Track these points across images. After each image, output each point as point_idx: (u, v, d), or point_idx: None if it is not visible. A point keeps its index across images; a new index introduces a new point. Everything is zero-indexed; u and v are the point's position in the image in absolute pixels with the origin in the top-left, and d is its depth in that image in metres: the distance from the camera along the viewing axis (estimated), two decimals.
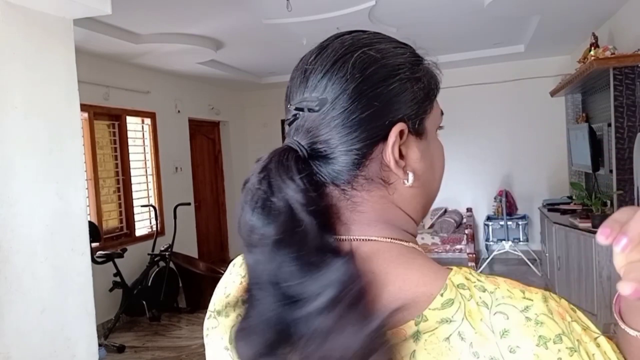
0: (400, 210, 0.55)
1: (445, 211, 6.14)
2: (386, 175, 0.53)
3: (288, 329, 0.45)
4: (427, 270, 0.49)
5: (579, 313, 0.48)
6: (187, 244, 5.69)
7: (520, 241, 5.81)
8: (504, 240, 5.73)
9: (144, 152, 5.31)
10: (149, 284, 4.58)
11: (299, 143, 0.52)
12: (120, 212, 4.92)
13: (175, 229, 4.96)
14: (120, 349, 4.00)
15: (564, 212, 4.52)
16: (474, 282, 0.47)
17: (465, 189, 6.32)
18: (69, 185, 2.41)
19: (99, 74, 4.54)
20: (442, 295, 0.46)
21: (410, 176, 0.53)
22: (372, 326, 0.42)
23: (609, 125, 3.73)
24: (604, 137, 4.20)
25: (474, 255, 5.58)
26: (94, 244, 3.89)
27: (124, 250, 4.42)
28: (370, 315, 0.43)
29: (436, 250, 5.63)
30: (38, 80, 2.27)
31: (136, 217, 5.07)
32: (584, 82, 4.37)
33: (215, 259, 6.41)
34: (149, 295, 4.56)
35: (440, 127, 0.59)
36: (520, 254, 5.69)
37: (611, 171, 3.71)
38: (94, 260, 3.47)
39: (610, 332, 0.52)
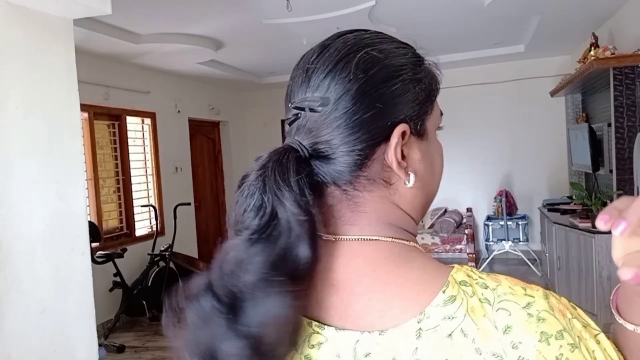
0: (401, 210, 0.55)
1: (445, 211, 6.14)
2: (387, 175, 0.53)
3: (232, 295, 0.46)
4: (428, 269, 0.50)
5: (579, 310, 0.48)
6: (187, 244, 5.69)
7: (520, 241, 5.81)
8: (504, 240, 5.73)
9: (144, 152, 5.31)
10: (149, 284, 4.58)
11: (300, 143, 0.52)
12: (120, 212, 4.93)
13: (175, 229, 4.96)
14: (120, 349, 4.00)
15: (564, 212, 4.52)
16: (476, 279, 0.47)
17: (465, 189, 6.32)
18: (69, 185, 2.41)
19: (99, 74, 4.54)
20: (444, 292, 0.46)
21: (412, 177, 0.53)
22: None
23: (609, 125, 3.73)
24: (604, 137, 4.20)
25: (474, 255, 5.58)
26: (94, 244, 3.89)
27: (124, 250, 4.42)
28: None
29: (436, 250, 5.64)
30: (38, 80, 2.27)
31: (136, 217, 5.07)
32: (584, 82, 4.37)
33: None
34: (149, 295, 4.56)
35: (440, 128, 0.59)
36: (520, 254, 5.69)
37: (611, 171, 3.71)
38: (94, 260, 3.47)
39: (610, 332, 0.53)
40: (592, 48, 3.97)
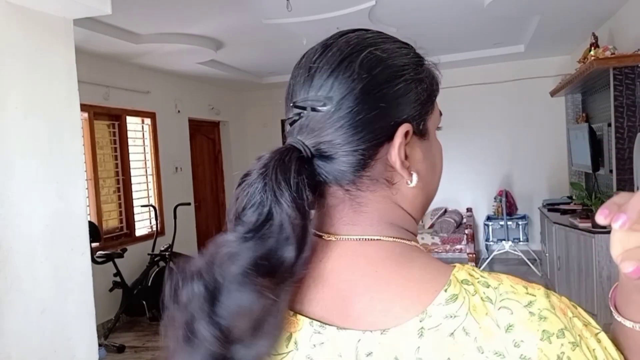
0: (402, 210, 0.55)
1: (445, 211, 6.14)
2: (390, 175, 0.53)
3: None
4: (430, 268, 0.50)
5: (580, 309, 0.48)
6: (187, 244, 5.69)
7: (520, 241, 5.81)
8: (504, 240, 5.73)
9: (144, 152, 5.31)
10: (149, 284, 4.58)
11: (303, 143, 0.52)
12: (120, 212, 4.93)
13: (175, 229, 4.96)
14: (120, 349, 4.00)
15: (564, 212, 4.52)
16: (478, 278, 0.48)
17: (465, 189, 6.32)
18: (69, 185, 2.41)
19: (99, 74, 4.54)
20: (446, 291, 0.46)
21: (415, 177, 0.53)
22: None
23: (609, 125, 3.73)
24: (604, 137, 4.20)
25: (474, 255, 5.58)
26: (94, 244, 3.89)
27: (124, 250, 4.42)
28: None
29: (436, 250, 5.63)
30: (38, 80, 2.27)
31: (136, 217, 5.07)
32: (584, 82, 4.37)
33: None
34: (149, 295, 4.56)
35: (439, 128, 0.60)
36: (520, 254, 5.69)
37: (611, 171, 3.71)
38: (94, 260, 3.47)
39: (610, 332, 0.53)
40: (592, 48, 3.97)
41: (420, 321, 0.45)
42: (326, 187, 0.53)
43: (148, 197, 5.31)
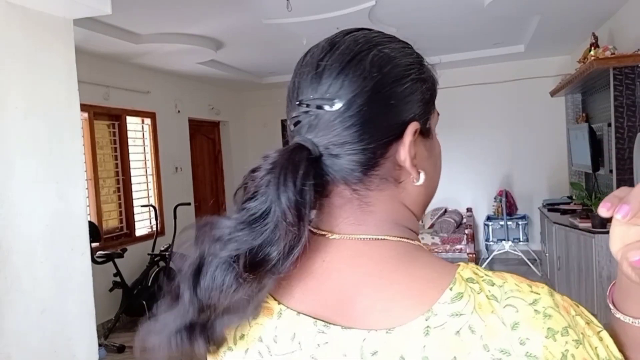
0: (406, 208, 0.55)
1: (445, 211, 6.14)
2: (397, 174, 0.53)
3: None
4: (434, 267, 0.50)
5: (582, 308, 0.49)
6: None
7: (520, 241, 5.81)
8: (504, 240, 5.73)
9: (144, 152, 5.31)
10: (149, 284, 4.58)
11: (312, 141, 0.52)
12: (120, 212, 4.93)
13: (175, 229, 4.95)
14: (120, 349, 4.00)
15: (564, 212, 4.52)
16: (482, 276, 0.48)
17: (465, 189, 6.32)
18: (69, 185, 2.41)
19: (99, 74, 4.54)
20: (451, 289, 0.46)
21: (422, 175, 0.54)
22: None
23: (609, 125, 3.73)
24: (604, 137, 4.20)
25: (474, 255, 5.58)
26: (94, 244, 3.89)
27: (124, 250, 4.42)
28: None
29: (436, 250, 5.63)
30: (38, 80, 2.27)
31: (136, 217, 5.07)
32: (584, 82, 4.37)
33: None
34: (149, 295, 4.56)
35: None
36: (520, 254, 5.69)
37: (611, 171, 3.71)
38: (94, 260, 3.47)
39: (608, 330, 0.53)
40: (592, 48, 3.97)
41: (426, 320, 0.45)
42: (332, 186, 0.53)
43: (148, 197, 5.31)
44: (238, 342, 0.54)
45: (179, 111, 5.83)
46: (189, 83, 6.02)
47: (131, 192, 5.00)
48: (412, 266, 0.50)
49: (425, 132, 0.55)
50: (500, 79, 6.05)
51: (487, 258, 5.81)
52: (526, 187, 6.12)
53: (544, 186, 6.03)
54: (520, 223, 5.82)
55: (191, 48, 4.42)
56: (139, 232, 5.10)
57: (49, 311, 2.27)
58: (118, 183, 4.89)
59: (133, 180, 5.05)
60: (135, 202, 5.06)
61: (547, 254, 4.87)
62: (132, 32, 4.13)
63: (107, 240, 4.67)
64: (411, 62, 0.54)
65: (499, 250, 5.78)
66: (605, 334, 0.47)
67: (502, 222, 5.75)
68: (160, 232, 5.17)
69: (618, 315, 0.53)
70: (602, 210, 0.45)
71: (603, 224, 3.47)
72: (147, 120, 5.35)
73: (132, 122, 5.15)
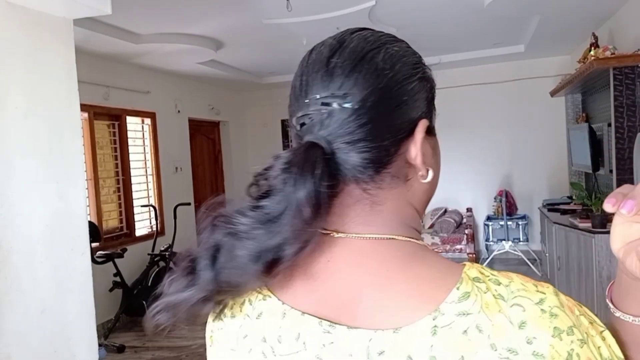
0: (412, 207, 0.55)
1: (445, 211, 6.14)
2: (406, 172, 0.54)
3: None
4: (441, 266, 0.50)
5: (585, 308, 0.49)
6: (187, 244, 5.68)
7: (520, 241, 5.81)
8: (504, 240, 5.73)
9: (144, 152, 5.31)
10: (149, 284, 4.58)
11: (326, 139, 0.51)
12: (120, 212, 4.93)
13: (175, 229, 4.96)
14: (120, 349, 4.00)
15: (564, 212, 4.51)
16: (488, 276, 0.48)
17: (465, 189, 6.32)
18: (69, 185, 2.41)
19: (99, 74, 4.54)
20: (458, 289, 0.46)
21: (430, 172, 0.54)
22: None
23: (609, 125, 3.73)
24: (604, 137, 4.20)
25: (474, 255, 5.59)
26: (94, 244, 3.89)
27: (124, 250, 4.42)
28: None
29: (436, 250, 5.61)
30: (38, 80, 2.27)
31: (136, 217, 5.07)
32: (584, 82, 4.37)
33: None
34: (149, 295, 4.54)
35: None
36: (520, 254, 5.69)
37: (611, 171, 3.71)
38: (94, 260, 3.47)
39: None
40: (592, 48, 3.97)
41: (434, 319, 0.45)
42: (343, 185, 0.52)
43: (148, 197, 5.31)
44: (241, 342, 0.53)
45: (179, 111, 5.83)
46: (189, 83, 6.02)
47: (131, 192, 5.00)
48: (418, 266, 0.50)
49: (431, 130, 0.56)
50: (500, 79, 6.05)
51: (487, 258, 5.81)
52: (526, 187, 6.12)
53: (544, 186, 6.03)
54: (520, 223, 5.82)
55: (191, 48, 4.42)
56: (139, 232, 5.10)
57: (49, 311, 2.27)
58: (118, 183, 4.89)
59: (133, 180, 5.05)
60: (135, 202, 5.06)
61: (547, 254, 4.87)
62: (132, 32, 4.13)
63: (107, 240, 4.67)
64: (417, 60, 0.55)
65: (499, 250, 5.78)
66: (607, 334, 0.48)
67: (502, 222, 5.75)
68: (160, 232, 5.17)
69: (618, 314, 0.53)
70: (608, 206, 0.46)
71: (603, 224, 3.47)
72: (147, 120, 5.35)
73: (132, 122, 5.15)
